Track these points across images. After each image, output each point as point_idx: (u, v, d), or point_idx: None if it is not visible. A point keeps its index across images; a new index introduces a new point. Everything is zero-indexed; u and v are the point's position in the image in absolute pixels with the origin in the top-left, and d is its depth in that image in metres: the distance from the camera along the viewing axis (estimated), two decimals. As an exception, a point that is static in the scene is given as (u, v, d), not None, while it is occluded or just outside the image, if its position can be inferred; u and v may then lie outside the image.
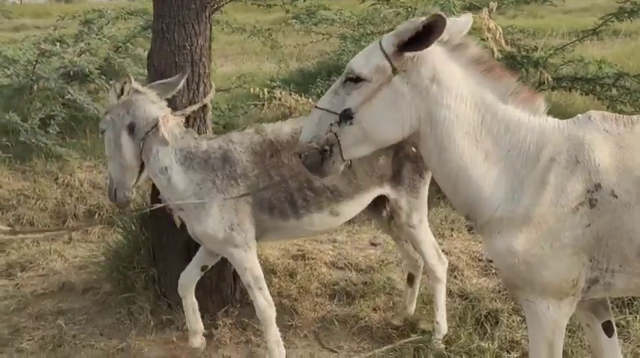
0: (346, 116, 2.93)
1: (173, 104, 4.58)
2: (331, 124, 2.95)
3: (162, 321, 4.85)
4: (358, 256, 5.68)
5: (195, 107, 4.61)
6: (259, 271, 4.32)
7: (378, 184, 4.39)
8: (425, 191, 4.54)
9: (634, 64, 9.87)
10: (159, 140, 4.18)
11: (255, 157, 4.20)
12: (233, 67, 13.42)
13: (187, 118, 4.62)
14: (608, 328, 3.35)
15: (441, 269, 4.69)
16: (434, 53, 2.91)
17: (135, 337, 4.75)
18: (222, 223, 4.14)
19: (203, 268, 4.56)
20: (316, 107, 3.04)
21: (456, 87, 2.95)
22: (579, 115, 3.04)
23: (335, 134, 2.95)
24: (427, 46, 2.85)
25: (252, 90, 8.14)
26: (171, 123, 4.25)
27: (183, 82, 4.43)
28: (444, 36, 2.91)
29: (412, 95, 2.92)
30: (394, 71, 2.90)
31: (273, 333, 4.35)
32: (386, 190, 4.43)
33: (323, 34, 10.56)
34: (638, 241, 2.84)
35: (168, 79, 4.44)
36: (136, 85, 4.26)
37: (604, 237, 2.87)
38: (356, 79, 2.94)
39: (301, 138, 3.06)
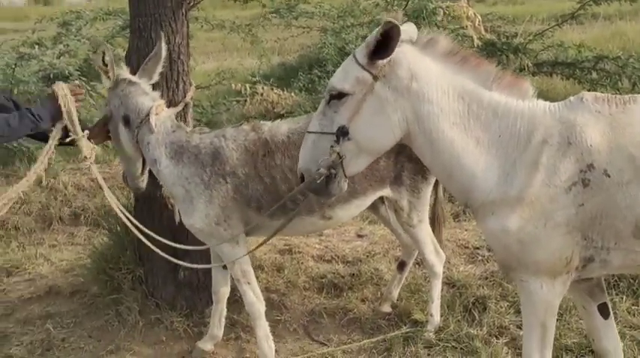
0: (343, 133, 3.00)
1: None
2: (332, 146, 3.00)
3: (150, 321, 4.84)
4: (345, 248, 5.68)
5: (179, 108, 4.55)
6: (248, 266, 4.33)
7: (377, 187, 4.36)
8: (427, 191, 4.54)
9: (614, 47, 9.90)
10: (150, 131, 4.18)
11: (247, 155, 4.16)
12: (214, 63, 13.36)
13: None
14: (603, 310, 3.41)
15: (438, 265, 4.72)
16: (406, 53, 3.02)
17: (124, 338, 4.74)
18: (207, 218, 4.14)
19: (225, 266, 4.49)
20: (308, 132, 3.11)
21: (434, 81, 3.03)
22: (571, 97, 3.10)
23: (338, 154, 3.01)
24: (392, 50, 2.96)
25: (234, 86, 8.16)
26: (163, 116, 4.24)
27: (164, 47, 4.36)
28: (411, 37, 3.06)
29: (395, 97, 3.01)
30: (375, 78, 2.99)
31: (262, 328, 4.35)
32: (386, 192, 4.42)
33: (303, 28, 10.56)
34: (631, 218, 2.90)
35: (150, 55, 4.37)
36: (129, 75, 4.26)
37: (598, 216, 2.93)
38: (339, 95, 3.02)
39: (301, 165, 3.14)
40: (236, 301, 4.88)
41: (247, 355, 4.63)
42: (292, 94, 8.04)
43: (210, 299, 4.85)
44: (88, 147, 4.09)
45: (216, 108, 8.85)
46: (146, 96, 4.23)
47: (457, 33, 7.55)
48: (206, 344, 4.60)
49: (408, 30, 3.08)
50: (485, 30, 7.53)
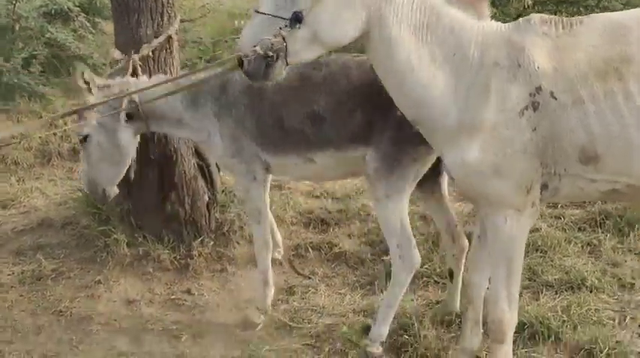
0: (296, 19, 2.84)
1: (138, 37, 4.57)
2: (281, 28, 2.84)
3: (138, 253, 4.88)
4: (335, 185, 5.69)
5: (160, 39, 4.56)
6: (260, 204, 4.21)
7: (354, 141, 3.86)
8: (410, 166, 3.75)
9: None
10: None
11: None
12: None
13: (153, 50, 4.60)
14: None
15: (402, 271, 3.85)
16: None
17: (112, 269, 4.81)
18: (226, 150, 4.12)
19: None
20: (257, 12, 2.92)
21: None
22: (520, 19, 3.08)
23: (283, 38, 2.86)
24: None
25: (237, 23, 8.10)
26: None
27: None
28: None
29: None
30: None
31: (262, 271, 4.31)
32: (368, 152, 3.83)
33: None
34: (576, 142, 2.91)
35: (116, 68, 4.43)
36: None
37: (549, 140, 2.94)
38: None
39: (242, 45, 2.94)
40: (222, 235, 4.94)
41: (232, 287, 4.70)
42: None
43: (198, 232, 4.91)
44: None
45: (219, 46, 8.84)
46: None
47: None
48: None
49: None
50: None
